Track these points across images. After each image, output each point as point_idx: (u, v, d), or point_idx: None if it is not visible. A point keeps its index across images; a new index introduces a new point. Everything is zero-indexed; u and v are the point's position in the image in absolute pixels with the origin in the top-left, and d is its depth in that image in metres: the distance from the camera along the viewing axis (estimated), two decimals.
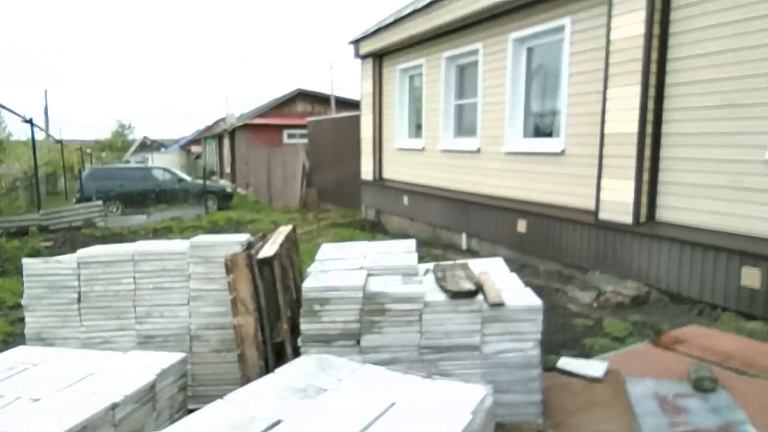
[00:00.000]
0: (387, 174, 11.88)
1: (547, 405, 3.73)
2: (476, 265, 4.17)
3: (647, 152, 5.66)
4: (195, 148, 42.54)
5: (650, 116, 5.59)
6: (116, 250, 3.73)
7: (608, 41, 5.90)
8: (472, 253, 8.91)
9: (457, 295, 3.21)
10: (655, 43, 5.47)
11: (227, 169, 29.25)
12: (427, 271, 3.82)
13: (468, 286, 3.28)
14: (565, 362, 4.23)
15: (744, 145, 4.87)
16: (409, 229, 10.90)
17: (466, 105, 9.22)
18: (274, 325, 3.35)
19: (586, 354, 4.53)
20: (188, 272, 3.60)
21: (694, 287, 5.28)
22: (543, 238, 7.17)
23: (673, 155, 5.54)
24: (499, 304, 3.20)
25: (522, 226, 7.54)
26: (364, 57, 11.92)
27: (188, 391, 3.44)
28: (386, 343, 3.23)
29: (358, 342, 3.24)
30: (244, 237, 3.76)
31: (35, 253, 9.32)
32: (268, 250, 3.28)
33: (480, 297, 3.25)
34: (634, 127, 5.66)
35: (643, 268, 5.78)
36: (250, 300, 3.11)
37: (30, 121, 14.50)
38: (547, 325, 5.30)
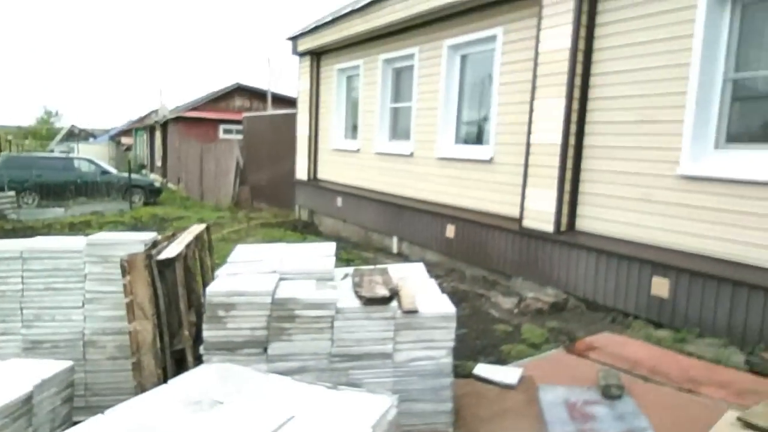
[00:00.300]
0: (322, 174, 11.72)
1: (461, 413, 3.71)
2: (397, 270, 4.11)
3: (569, 163, 5.81)
4: (126, 140, 40.61)
5: (573, 128, 5.75)
6: (3, 246, 3.40)
7: (537, 53, 6.02)
8: (402, 256, 8.90)
9: (370, 301, 3.12)
10: (580, 57, 5.63)
11: (158, 163, 28.08)
12: (345, 276, 3.71)
13: (383, 292, 3.21)
14: (482, 369, 4.24)
15: (657, 160, 5.08)
16: (342, 231, 10.78)
17: (401, 109, 9.22)
18: (177, 331, 3.15)
19: (503, 360, 4.56)
20: (84, 272, 3.33)
21: (608, 295, 5.45)
22: (470, 244, 7.24)
23: (593, 167, 5.71)
24: (413, 311, 3.14)
25: (451, 231, 7.59)
26: (302, 54, 11.70)
27: (81, 401, 3.18)
28: (295, 351, 3.10)
29: (266, 350, 3.09)
30: (149, 236, 3.52)
31: None
32: (171, 250, 3.07)
33: (394, 304, 3.18)
34: (557, 138, 5.80)
35: (563, 276, 5.93)
36: (149, 304, 2.90)
37: None
38: (469, 330, 5.36)
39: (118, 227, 11.51)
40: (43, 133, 65.44)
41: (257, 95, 25.85)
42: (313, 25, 10.76)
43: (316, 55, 11.45)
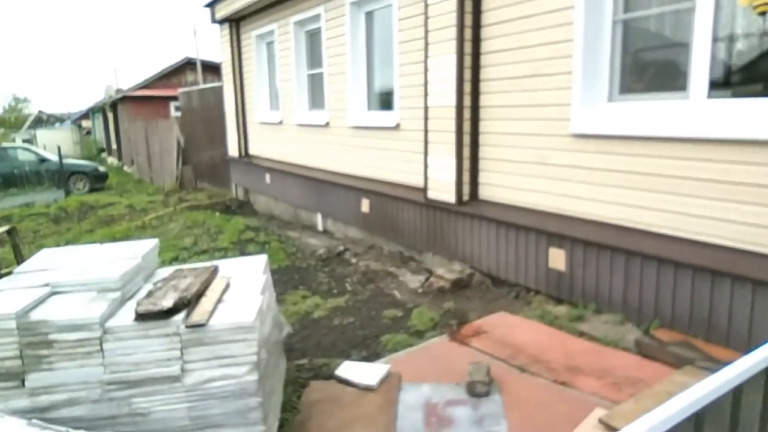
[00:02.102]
0: (253, 150, 11.06)
1: (306, 425, 3.26)
2: (232, 266, 3.59)
3: (466, 126, 5.25)
4: (86, 123, 39.26)
5: (468, 87, 5.17)
6: None
7: (426, 5, 5.39)
8: (328, 234, 8.38)
9: (144, 317, 2.59)
10: (469, 6, 5.01)
11: (114, 146, 27.10)
12: (157, 283, 3.18)
13: (165, 304, 2.67)
14: (345, 368, 3.77)
15: (549, 117, 4.53)
16: (275, 209, 10.22)
17: (317, 75, 8.54)
18: None
19: (378, 354, 4.10)
20: None
21: (510, 269, 4.98)
22: (384, 219, 6.72)
23: (491, 129, 5.16)
24: (198, 325, 2.62)
25: (365, 205, 7.05)
26: (221, 22, 10.88)
27: None
28: (59, 381, 2.59)
29: (24, 383, 2.57)
30: None
31: None
32: None
33: (178, 317, 2.65)
34: (452, 100, 5.22)
35: (467, 250, 5.44)
36: None
37: None
38: (355, 319, 4.87)
39: (40, 218, 10.86)
40: (11, 120, 63.36)
41: (211, 69, 24.72)
42: None
43: (236, 22, 10.65)
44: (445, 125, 5.36)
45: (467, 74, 5.14)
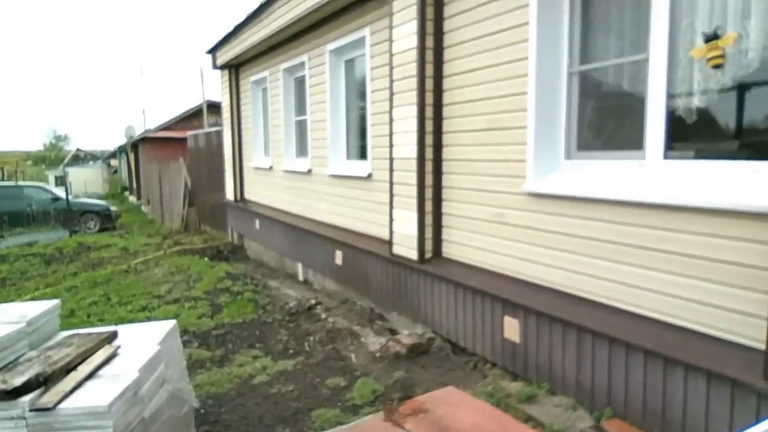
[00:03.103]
0: (248, 195, 10.96)
1: None
2: (133, 331, 3.30)
3: (429, 180, 4.96)
4: (114, 162, 40.42)
5: (429, 139, 4.90)
6: None
7: (391, 54, 5.20)
8: (308, 285, 8.08)
9: None
10: (430, 56, 4.80)
11: (135, 185, 27.64)
12: (38, 351, 2.91)
13: (15, 381, 2.39)
14: None
15: (506, 174, 4.21)
16: (264, 256, 10.01)
17: (304, 122, 8.43)
18: None
19: None
20: None
21: (468, 337, 4.57)
22: (356, 272, 6.40)
23: (453, 184, 4.85)
24: (44, 408, 2.32)
25: (339, 257, 6.75)
26: (221, 68, 11.01)
27: None
28: None
29: None
30: None
31: None
32: None
33: (26, 398, 2.36)
34: (413, 152, 4.96)
35: (429, 312, 5.06)
36: None
37: None
38: (295, 387, 4.49)
39: (35, 259, 10.86)
40: (51, 157, 65.87)
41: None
42: (224, 36, 10.05)
43: (234, 68, 10.75)
44: (407, 178, 5.09)
45: (429, 125, 4.88)
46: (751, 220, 2.70)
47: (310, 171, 7.79)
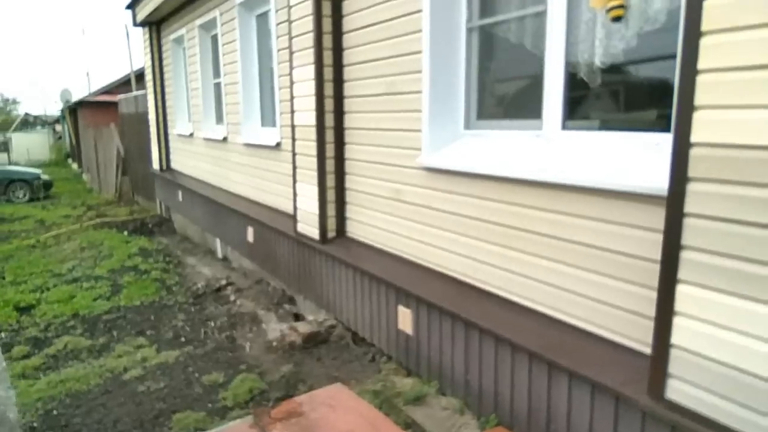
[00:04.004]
0: (174, 164, 10.21)
1: None
2: None
3: (330, 150, 4.43)
4: (59, 127, 38.33)
5: (329, 104, 4.35)
6: None
7: (289, 7, 4.58)
8: (226, 262, 7.53)
9: None
10: (327, 9, 4.20)
11: (76, 152, 26.19)
12: None
13: None
14: None
15: (402, 145, 3.72)
16: (188, 230, 9.37)
17: (220, 85, 7.72)
18: None
19: None
20: None
21: (367, 327, 4.14)
22: (266, 250, 5.88)
23: (354, 156, 4.34)
24: None
25: (250, 234, 6.21)
26: (142, 25, 10.07)
27: None
28: None
29: None
30: None
31: None
32: None
33: None
34: (312, 118, 4.40)
35: (331, 297, 4.60)
36: None
37: None
38: (166, 384, 3.98)
39: None
40: None
41: None
42: None
43: (156, 25, 9.84)
44: (308, 148, 4.54)
45: (329, 89, 4.32)
46: (646, 203, 2.27)
47: (225, 139, 7.15)
